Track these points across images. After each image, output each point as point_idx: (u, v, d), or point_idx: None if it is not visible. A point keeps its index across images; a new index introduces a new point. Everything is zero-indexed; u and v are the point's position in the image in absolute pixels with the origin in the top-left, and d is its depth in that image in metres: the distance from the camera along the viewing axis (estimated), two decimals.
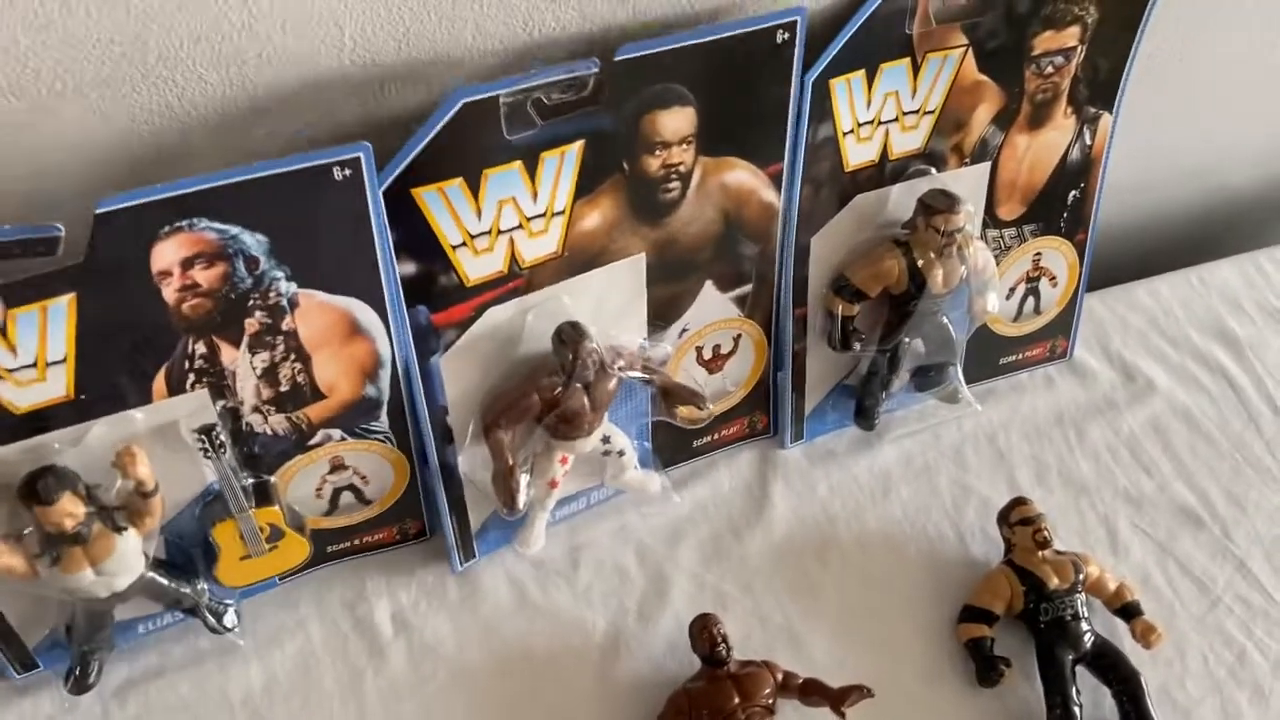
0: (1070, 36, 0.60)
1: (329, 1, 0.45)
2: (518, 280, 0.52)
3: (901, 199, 0.61)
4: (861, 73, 0.56)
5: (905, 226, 0.62)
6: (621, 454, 0.59)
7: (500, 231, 0.50)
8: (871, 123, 0.58)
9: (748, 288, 0.61)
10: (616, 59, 0.48)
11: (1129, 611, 0.62)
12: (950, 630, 0.62)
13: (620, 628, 0.60)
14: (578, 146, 0.50)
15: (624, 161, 0.52)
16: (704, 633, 0.57)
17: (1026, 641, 0.61)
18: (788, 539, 0.65)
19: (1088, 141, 0.65)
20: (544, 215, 0.51)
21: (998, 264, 0.68)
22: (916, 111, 0.59)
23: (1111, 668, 0.60)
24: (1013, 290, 0.70)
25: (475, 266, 0.51)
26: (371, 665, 0.57)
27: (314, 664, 0.57)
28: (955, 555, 0.66)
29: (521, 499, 0.55)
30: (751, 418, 0.68)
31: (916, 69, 0.57)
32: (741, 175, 0.56)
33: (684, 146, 0.53)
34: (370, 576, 0.60)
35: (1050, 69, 0.61)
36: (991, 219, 0.66)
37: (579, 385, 0.53)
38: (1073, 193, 0.67)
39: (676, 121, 0.52)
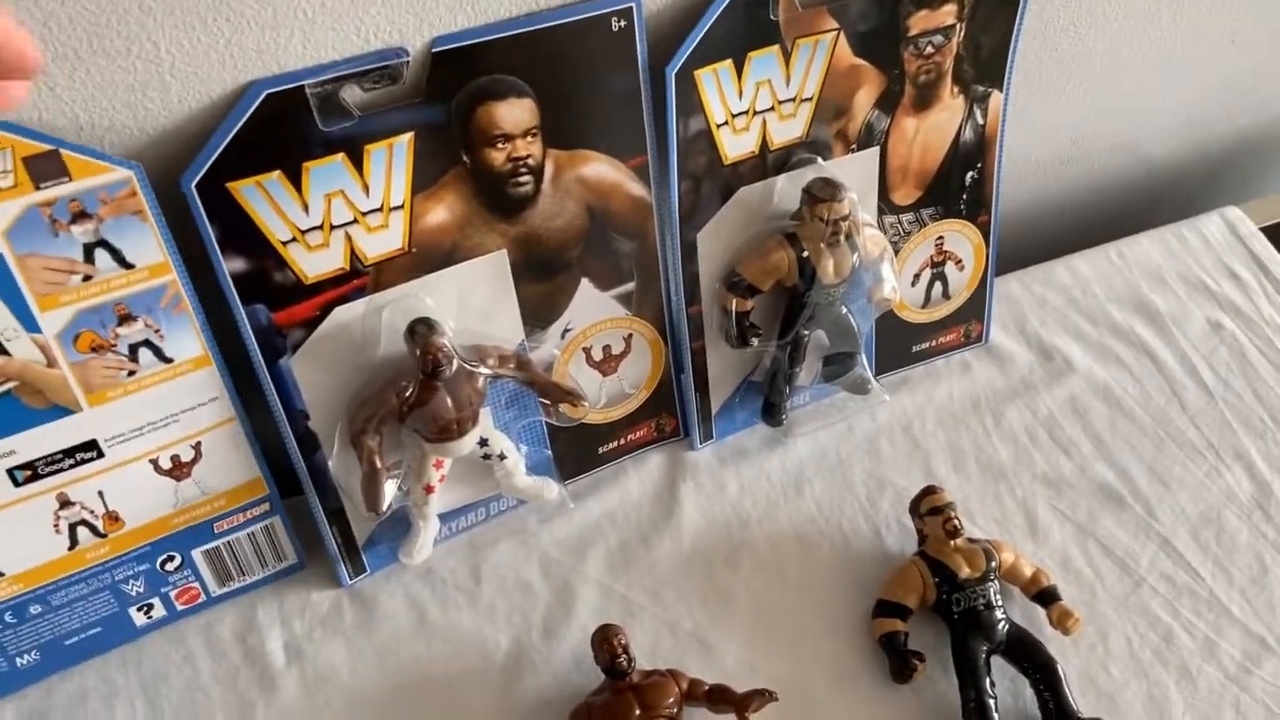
0: (947, 14, 0.59)
1: None
2: (362, 278, 0.52)
3: (787, 189, 0.60)
4: (729, 63, 0.55)
5: (793, 218, 0.60)
6: (503, 457, 0.57)
7: (334, 226, 0.49)
8: (746, 113, 0.57)
9: (630, 285, 0.60)
10: (435, 50, 0.47)
11: (1046, 597, 0.61)
12: (865, 627, 0.61)
13: (524, 644, 0.59)
14: (407, 139, 0.49)
15: (463, 154, 0.51)
16: (605, 645, 0.55)
17: (943, 634, 0.60)
18: (698, 543, 0.64)
19: (980, 121, 0.64)
20: (380, 210, 0.50)
21: (898, 250, 0.66)
22: (793, 99, 0.58)
23: (1028, 656, 0.59)
24: (917, 276, 0.69)
25: (312, 263, 0.50)
26: (263, 697, 0.56)
27: (202, 699, 0.56)
28: (870, 549, 0.64)
29: (384, 502, 0.54)
30: (659, 420, 0.66)
31: (788, 56, 0.56)
32: (601, 169, 0.55)
33: (529, 139, 0.52)
34: (263, 605, 0.59)
35: (930, 49, 0.59)
36: (887, 205, 0.65)
37: (439, 385, 0.52)
38: (970, 174, 0.66)
39: (515, 113, 0.51)
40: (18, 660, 0.55)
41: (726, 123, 0.57)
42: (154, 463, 0.53)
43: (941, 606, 0.60)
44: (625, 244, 0.58)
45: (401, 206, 0.51)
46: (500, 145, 0.52)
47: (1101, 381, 0.72)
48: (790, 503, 0.66)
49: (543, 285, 0.57)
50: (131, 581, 0.55)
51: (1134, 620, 0.62)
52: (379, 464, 0.54)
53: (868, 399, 0.69)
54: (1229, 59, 0.79)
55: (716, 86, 0.55)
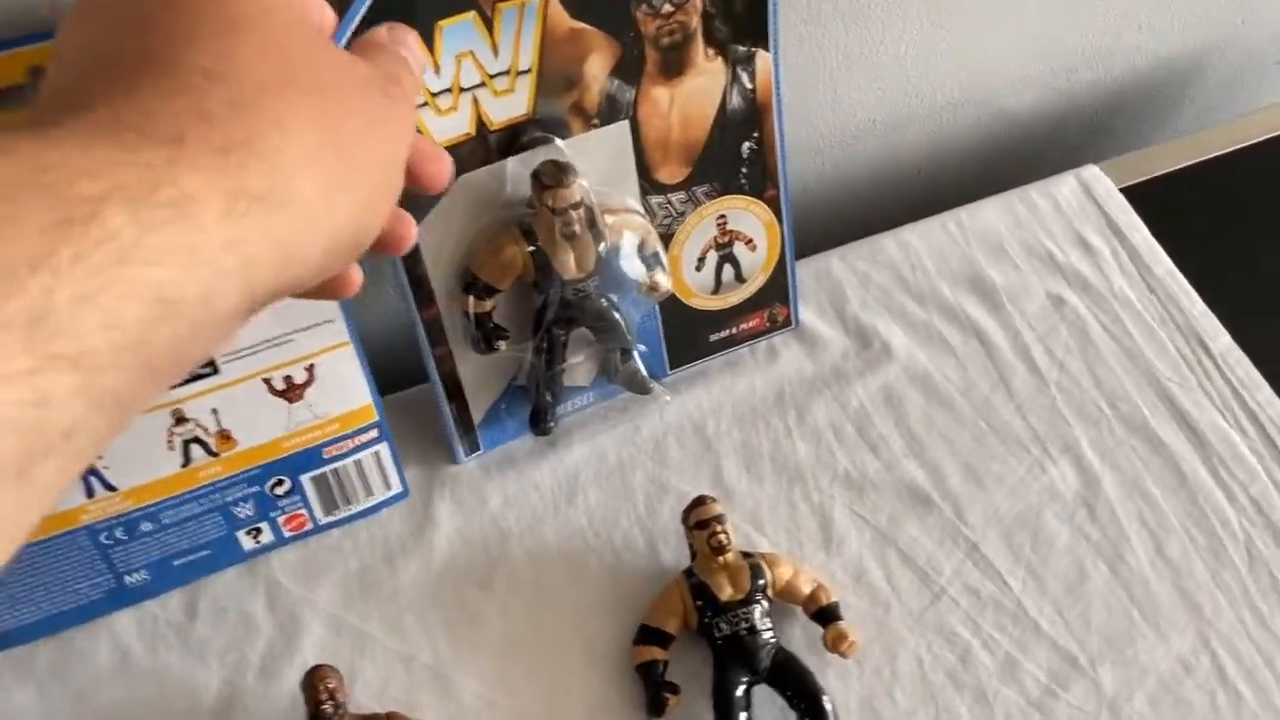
0: None
1: None
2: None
3: (520, 173, 0.54)
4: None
5: (528, 205, 0.54)
6: None
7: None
8: (450, 91, 0.50)
9: None
10: None
11: (826, 616, 0.55)
12: (628, 654, 0.55)
13: (237, 686, 0.54)
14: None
15: None
16: (310, 691, 0.50)
17: (710, 659, 0.54)
18: (449, 563, 0.58)
19: (748, 85, 0.57)
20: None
21: (673, 233, 0.60)
22: (507, 72, 0.51)
23: (793, 685, 0.53)
24: (702, 260, 0.62)
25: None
26: None
27: None
28: (644, 566, 0.59)
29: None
30: None
31: (489, 23, 0.49)
32: None
33: None
34: None
35: (668, 7, 0.52)
36: (651, 184, 0.58)
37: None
38: (746, 144, 0.58)
39: None
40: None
41: (426, 103, 0.50)
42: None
43: (705, 631, 0.54)
44: None
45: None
46: None
47: (921, 368, 0.65)
48: (559, 514, 0.60)
49: None
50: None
51: (929, 638, 0.56)
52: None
53: (653, 397, 0.62)
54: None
55: None
